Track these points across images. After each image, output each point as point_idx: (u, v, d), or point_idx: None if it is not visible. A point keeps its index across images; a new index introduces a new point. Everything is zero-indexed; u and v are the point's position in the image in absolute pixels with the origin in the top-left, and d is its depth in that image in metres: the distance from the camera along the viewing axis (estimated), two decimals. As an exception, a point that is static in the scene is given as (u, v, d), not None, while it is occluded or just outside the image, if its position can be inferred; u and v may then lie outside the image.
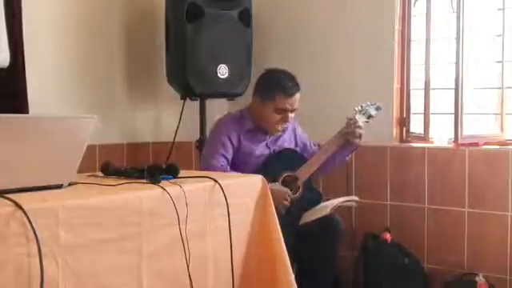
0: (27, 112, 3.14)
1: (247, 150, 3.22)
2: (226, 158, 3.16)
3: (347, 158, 3.40)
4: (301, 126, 3.46)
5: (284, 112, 3.19)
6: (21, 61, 3.15)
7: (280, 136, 3.34)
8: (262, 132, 3.29)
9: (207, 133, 3.78)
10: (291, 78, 3.23)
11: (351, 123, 3.23)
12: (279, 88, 3.18)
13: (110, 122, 3.77)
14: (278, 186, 3.12)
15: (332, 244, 3.18)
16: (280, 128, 3.25)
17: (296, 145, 3.40)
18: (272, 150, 3.30)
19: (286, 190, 3.12)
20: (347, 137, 3.24)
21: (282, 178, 3.20)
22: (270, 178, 2.99)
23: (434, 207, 3.67)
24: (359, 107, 3.29)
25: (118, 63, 3.91)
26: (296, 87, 3.21)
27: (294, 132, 3.41)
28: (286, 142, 3.36)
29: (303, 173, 3.23)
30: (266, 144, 3.30)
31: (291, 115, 3.22)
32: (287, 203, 3.09)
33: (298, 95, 3.21)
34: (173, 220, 2.09)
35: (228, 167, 3.14)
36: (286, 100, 3.18)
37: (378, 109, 3.36)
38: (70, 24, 3.62)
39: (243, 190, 2.44)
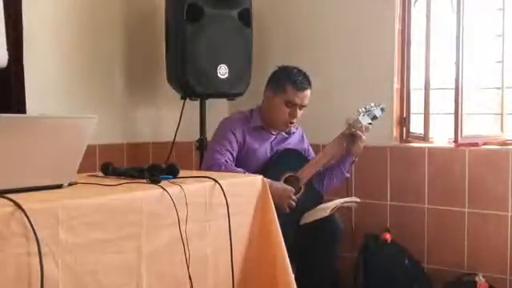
0: (24, 112, 3.14)
1: (251, 147, 3.23)
2: (231, 154, 3.17)
3: (347, 174, 3.39)
4: (301, 127, 3.46)
5: (293, 106, 3.21)
6: (20, 62, 3.15)
7: (286, 138, 3.35)
8: (268, 132, 3.31)
9: (207, 133, 3.78)
10: (304, 74, 3.27)
11: (354, 124, 3.23)
12: (291, 81, 3.21)
13: (110, 122, 3.77)
14: (281, 184, 3.13)
15: (331, 244, 3.17)
16: (288, 124, 3.26)
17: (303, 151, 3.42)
18: (275, 150, 3.30)
19: (290, 188, 3.12)
20: (350, 138, 3.24)
21: (284, 178, 3.20)
22: (272, 177, 2.99)
23: (433, 207, 3.67)
24: (363, 108, 3.29)
25: (118, 63, 3.91)
26: (308, 83, 3.25)
27: (302, 139, 3.43)
28: (292, 145, 3.36)
29: (305, 173, 3.23)
30: (271, 143, 3.31)
31: (300, 112, 3.24)
32: (292, 202, 3.09)
33: (308, 92, 3.24)
34: (173, 220, 2.09)
35: (233, 163, 3.14)
36: (297, 93, 3.20)
37: (382, 110, 3.36)
38: (70, 24, 3.62)
39: (243, 190, 2.45)
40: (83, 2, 3.70)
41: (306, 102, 3.24)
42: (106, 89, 3.84)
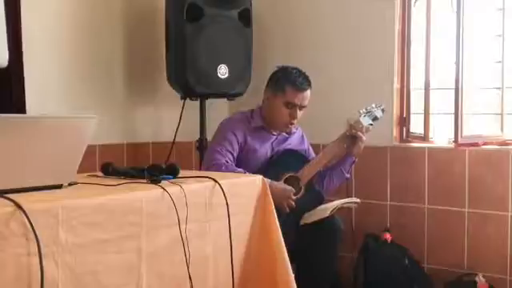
0: (24, 112, 3.13)
1: (251, 148, 3.23)
2: (232, 154, 3.16)
3: (347, 175, 3.38)
4: (301, 127, 3.45)
5: (293, 107, 3.21)
6: (19, 62, 3.15)
7: (287, 138, 3.35)
8: (269, 132, 3.30)
9: (207, 133, 3.78)
10: (304, 75, 3.26)
11: (355, 125, 3.23)
12: (291, 81, 3.21)
13: (110, 122, 3.77)
14: (281, 184, 3.13)
15: (332, 244, 3.17)
16: (288, 125, 3.26)
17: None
18: (276, 151, 3.30)
19: (290, 188, 3.12)
20: (350, 139, 3.24)
21: (284, 178, 3.20)
22: (272, 177, 2.99)
23: (433, 207, 3.67)
24: (364, 109, 3.29)
25: (118, 63, 3.90)
26: (307, 83, 3.24)
27: (302, 139, 3.43)
28: (292, 146, 3.36)
29: (305, 174, 3.23)
30: (271, 144, 3.30)
31: (299, 112, 3.23)
32: (292, 202, 3.09)
33: (308, 92, 3.24)
34: (173, 220, 2.09)
35: (233, 164, 3.14)
36: (297, 94, 3.20)
37: (383, 111, 3.36)
38: (70, 24, 3.62)
39: (243, 190, 2.44)
40: (83, 2, 3.70)
41: (305, 102, 3.24)
42: (106, 89, 3.84)
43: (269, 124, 3.30)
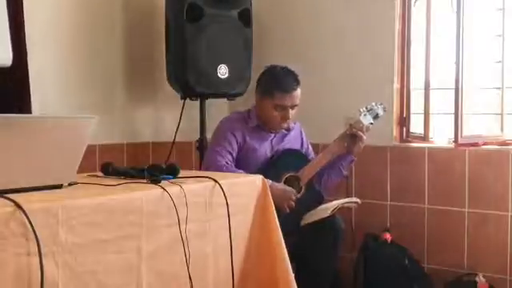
0: (30, 112, 3.14)
1: (251, 147, 3.22)
2: (231, 155, 3.16)
3: (345, 173, 3.37)
4: (300, 125, 3.45)
5: (284, 108, 3.19)
6: (24, 61, 3.15)
7: (286, 135, 3.34)
8: (267, 131, 3.29)
9: (207, 133, 3.78)
10: (290, 74, 3.22)
11: (355, 125, 3.22)
12: (277, 84, 3.18)
13: (110, 122, 3.77)
14: (282, 185, 3.12)
15: (332, 244, 3.17)
16: (282, 125, 3.25)
17: (302, 148, 3.41)
18: (275, 150, 3.30)
19: (290, 189, 3.12)
20: (351, 138, 3.23)
21: (285, 178, 3.19)
22: (273, 177, 2.99)
23: (434, 207, 3.67)
24: (364, 108, 3.28)
25: (118, 63, 3.91)
26: (295, 83, 3.19)
27: (300, 136, 3.42)
28: (291, 143, 3.35)
29: (305, 173, 3.22)
30: (271, 143, 3.30)
31: (292, 111, 3.21)
32: (293, 203, 3.09)
33: (297, 91, 3.20)
34: (173, 220, 2.09)
35: (233, 164, 3.14)
36: (285, 96, 3.17)
37: (384, 109, 3.36)
38: (70, 24, 3.62)
39: (243, 190, 2.45)
40: (83, 3, 3.70)
41: (296, 101, 3.20)
42: (106, 89, 3.84)
43: (264, 124, 3.28)
